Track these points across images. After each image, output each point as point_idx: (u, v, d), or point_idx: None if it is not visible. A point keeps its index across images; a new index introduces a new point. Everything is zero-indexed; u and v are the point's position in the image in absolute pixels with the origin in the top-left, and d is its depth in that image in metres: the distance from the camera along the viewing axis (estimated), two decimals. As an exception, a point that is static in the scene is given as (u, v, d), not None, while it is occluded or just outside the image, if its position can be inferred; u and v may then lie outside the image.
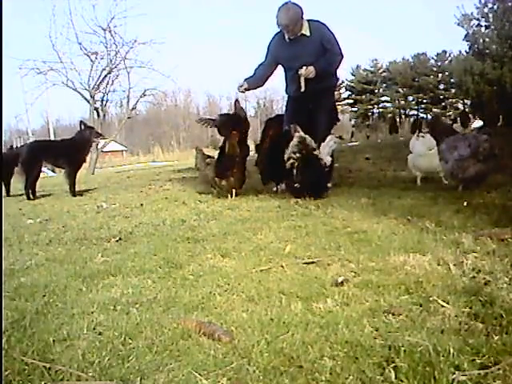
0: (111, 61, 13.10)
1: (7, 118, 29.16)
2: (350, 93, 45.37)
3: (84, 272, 2.05)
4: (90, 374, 1.18)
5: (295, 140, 3.68)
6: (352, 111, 44.92)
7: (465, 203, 2.92)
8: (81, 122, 5.88)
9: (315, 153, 3.74)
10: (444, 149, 3.59)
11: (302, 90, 4.12)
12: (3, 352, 1.30)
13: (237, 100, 4.60)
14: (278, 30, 4.33)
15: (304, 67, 4.08)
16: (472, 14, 15.62)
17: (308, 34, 4.21)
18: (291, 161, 3.70)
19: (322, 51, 4.19)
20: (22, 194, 5.52)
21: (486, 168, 3.42)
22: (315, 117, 4.38)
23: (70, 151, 5.49)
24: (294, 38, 4.23)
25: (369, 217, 2.77)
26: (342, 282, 1.67)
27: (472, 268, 1.71)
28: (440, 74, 41.82)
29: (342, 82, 42.35)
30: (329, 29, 4.29)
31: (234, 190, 4.11)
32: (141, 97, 14.17)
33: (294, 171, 3.70)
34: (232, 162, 4.05)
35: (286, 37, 4.26)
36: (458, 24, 15.81)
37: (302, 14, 4.15)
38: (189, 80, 63.35)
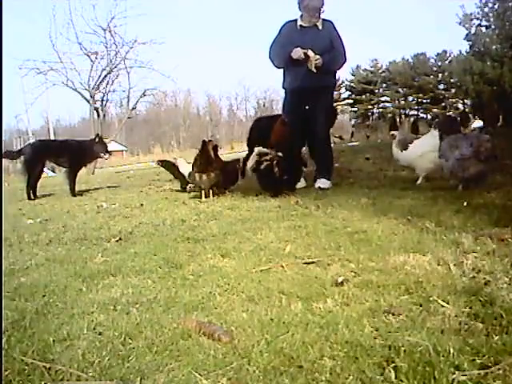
0: (111, 61, 13.11)
1: (7, 118, 29.19)
2: (349, 93, 45.37)
3: (84, 272, 2.05)
4: (90, 374, 1.18)
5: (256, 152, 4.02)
6: (352, 111, 44.90)
7: (465, 203, 2.92)
8: (97, 134, 5.98)
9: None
10: (445, 147, 3.58)
11: (313, 69, 4.19)
12: (3, 352, 1.30)
13: None
14: (286, 20, 4.49)
15: (312, 53, 4.19)
16: (473, 13, 15.65)
17: (320, 27, 4.37)
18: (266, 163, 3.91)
19: (330, 48, 4.29)
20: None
21: (486, 168, 3.42)
22: (313, 116, 4.40)
23: (74, 153, 5.51)
24: (307, 28, 4.37)
25: (369, 217, 2.77)
26: (341, 282, 1.66)
27: (472, 268, 1.71)
28: (440, 74, 41.82)
29: (342, 81, 42.37)
30: (337, 31, 4.44)
31: (211, 190, 4.17)
32: (141, 97, 14.19)
33: (276, 170, 3.87)
34: (211, 160, 4.16)
35: (299, 24, 4.39)
36: (460, 23, 15.83)
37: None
38: (189, 80, 63.47)
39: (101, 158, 5.87)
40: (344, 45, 4.41)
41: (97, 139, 5.71)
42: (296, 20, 4.45)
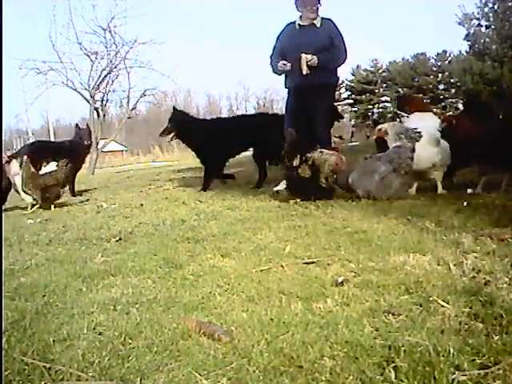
0: (111, 61, 13.10)
1: (7, 118, 29.21)
2: (349, 93, 45.33)
3: (84, 272, 2.05)
4: (90, 374, 1.18)
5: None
6: (352, 111, 44.87)
7: (465, 203, 2.92)
8: (76, 124, 6.01)
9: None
10: None
11: (304, 72, 4.18)
12: (3, 352, 1.30)
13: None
14: (287, 23, 4.49)
15: (304, 55, 4.17)
16: (473, 13, 15.62)
17: (318, 25, 4.36)
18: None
19: (329, 45, 4.30)
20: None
21: None
22: (314, 115, 4.39)
23: (69, 152, 5.52)
24: (305, 26, 4.37)
25: (369, 217, 2.77)
26: (342, 282, 1.67)
27: (472, 268, 1.71)
28: (440, 74, 41.78)
29: (342, 81, 42.34)
30: (338, 29, 4.43)
31: None
32: (141, 97, 14.17)
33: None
34: None
35: (297, 23, 4.40)
36: (459, 23, 15.80)
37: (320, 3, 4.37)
38: (189, 80, 63.24)
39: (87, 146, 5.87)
40: (345, 42, 4.42)
41: (77, 129, 5.77)
42: (296, 21, 4.47)
